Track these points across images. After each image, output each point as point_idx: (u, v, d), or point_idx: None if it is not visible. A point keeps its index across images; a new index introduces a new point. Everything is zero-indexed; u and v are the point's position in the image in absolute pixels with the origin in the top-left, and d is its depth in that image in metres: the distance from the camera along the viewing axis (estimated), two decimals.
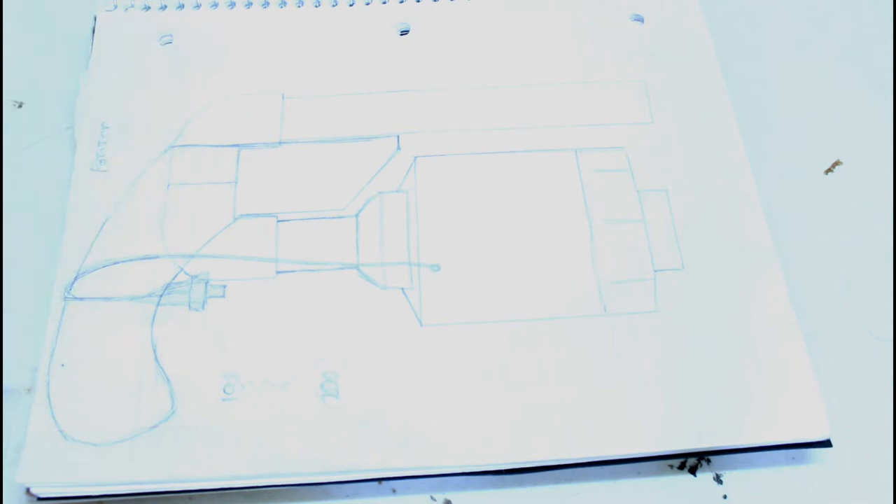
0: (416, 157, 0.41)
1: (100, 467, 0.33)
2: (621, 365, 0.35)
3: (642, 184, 0.40)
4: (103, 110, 0.42)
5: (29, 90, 0.44)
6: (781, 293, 0.37)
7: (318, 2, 0.46)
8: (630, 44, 0.45)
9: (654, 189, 0.40)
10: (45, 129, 0.43)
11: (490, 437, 0.34)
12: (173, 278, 0.37)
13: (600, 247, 0.38)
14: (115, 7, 0.45)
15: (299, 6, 0.46)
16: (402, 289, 0.37)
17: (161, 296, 0.36)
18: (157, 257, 0.37)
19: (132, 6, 0.45)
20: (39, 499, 0.33)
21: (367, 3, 0.46)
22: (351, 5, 0.46)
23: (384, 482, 0.34)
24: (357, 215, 0.39)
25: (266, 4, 0.46)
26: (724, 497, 0.34)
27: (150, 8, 0.45)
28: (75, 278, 0.37)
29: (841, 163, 0.43)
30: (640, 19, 0.46)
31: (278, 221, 0.39)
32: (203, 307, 0.36)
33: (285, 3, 0.46)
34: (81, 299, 0.36)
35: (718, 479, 0.35)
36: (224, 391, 0.34)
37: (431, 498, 0.34)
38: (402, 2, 0.46)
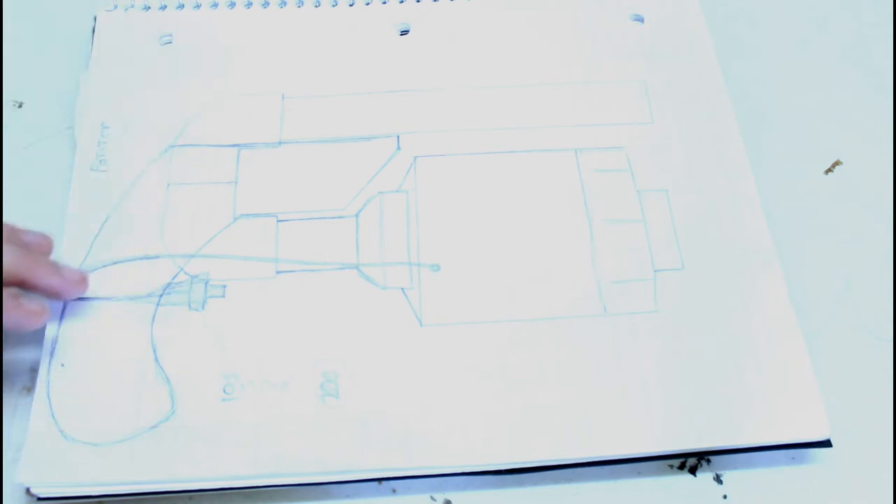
0: (416, 157, 0.41)
1: (100, 467, 0.33)
2: (621, 365, 0.35)
3: (642, 184, 0.40)
4: (103, 110, 0.42)
5: (29, 90, 0.44)
6: (781, 293, 0.37)
7: (318, 2, 0.46)
8: (630, 44, 0.45)
9: (654, 189, 0.40)
10: (45, 129, 0.43)
11: (490, 437, 0.34)
12: (173, 278, 0.37)
13: (600, 247, 0.38)
14: (115, 7, 0.45)
15: (299, 6, 0.46)
16: (402, 289, 0.37)
17: (161, 296, 0.36)
18: (158, 257, 0.37)
19: (132, 6, 0.45)
20: (39, 499, 0.33)
21: (367, 3, 0.46)
22: (351, 5, 0.46)
23: (384, 482, 0.34)
24: (357, 215, 0.39)
25: (266, 4, 0.46)
26: (724, 497, 0.34)
27: (150, 8, 0.45)
28: None
29: (841, 163, 0.43)
30: (640, 19, 0.46)
31: (278, 221, 0.39)
32: (203, 307, 0.36)
33: (285, 3, 0.46)
34: (82, 299, 0.36)
35: (718, 479, 0.35)
36: (224, 391, 0.34)
37: (431, 498, 0.34)
38: (402, 2, 0.46)
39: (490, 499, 0.34)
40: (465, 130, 0.42)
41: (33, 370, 0.36)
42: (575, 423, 0.34)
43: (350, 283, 0.37)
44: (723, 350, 0.36)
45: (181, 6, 0.45)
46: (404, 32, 0.45)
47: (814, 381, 0.35)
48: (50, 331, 0.35)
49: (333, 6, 0.46)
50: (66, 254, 0.37)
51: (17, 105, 0.44)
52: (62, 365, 0.35)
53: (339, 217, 0.39)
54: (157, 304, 0.36)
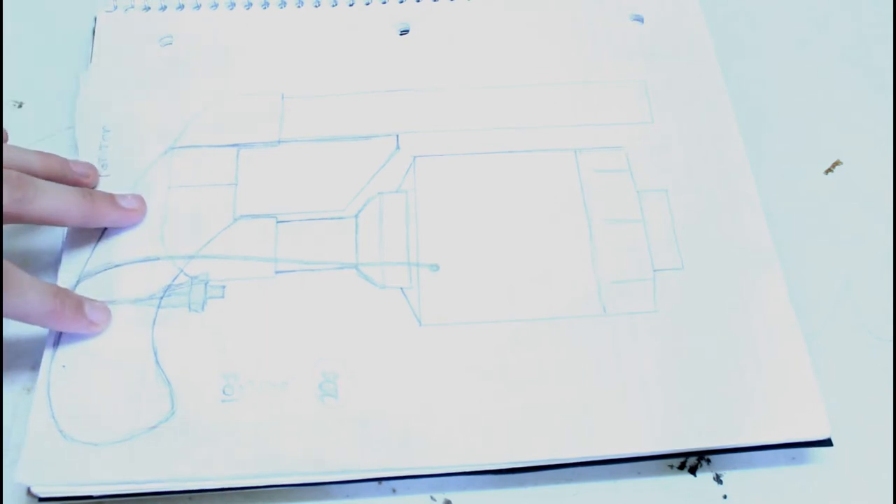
0: (415, 157, 0.41)
1: (100, 467, 0.33)
2: (621, 365, 0.35)
3: (642, 184, 0.40)
4: (104, 112, 0.42)
5: (29, 90, 0.44)
6: (781, 293, 0.37)
7: (318, 2, 0.46)
8: (630, 44, 0.45)
9: (653, 189, 0.40)
10: (45, 130, 0.43)
11: (490, 437, 0.34)
12: (173, 280, 0.37)
13: (600, 247, 0.38)
14: (116, 8, 0.45)
15: (299, 6, 0.46)
16: (402, 289, 0.37)
17: (161, 298, 0.36)
18: (158, 259, 0.37)
19: (132, 7, 0.45)
20: (40, 499, 0.33)
21: (367, 3, 0.46)
22: (351, 5, 0.46)
23: (384, 482, 0.34)
24: (356, 215, 0.39)
25: (266, 5, 0.46)
26: (724, 497, 0.34)
27: (150, 8, 0.45)
28: (78, 282, 0.37)
29: (841, 163, 0.43)
30: (640, 19, 0.46)
31: (278, 222, 0.39)
32: (203, 308, 0.36)
33: (285, 4, 0.46)
34: None
35: (718, 479, 0.35)
36: (224, 392, 0.34)
37: (431, 498, 0.34)
38: (401, 2, 0.46)
39: (490, 499, 0.34)
40: (464, 130, 0.42)
41: (33, 370, 0.36)
42: (575, 422, 0.34)
43: (349, 283, 0.37)
44: (723, 350, 0.36)
45: (181, 7, 0.46)
46: (404, 32, 0.45)
47: (814, 381, 0.35)
48: (51, 333, 0.35)
49: (333, 6, 0.46)
50: (68, 257, 0.37)
51: (17, 105, 0.44)
52: (63, 366, 0.35)
53: (339, 217, 0.39)
54: (158, 307, 0.36)
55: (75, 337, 0.35)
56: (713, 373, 0.35)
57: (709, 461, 0.35)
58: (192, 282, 0.37)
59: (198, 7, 0.46)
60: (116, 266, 0.37)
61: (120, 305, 0.36)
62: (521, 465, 0.34)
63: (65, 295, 0.35)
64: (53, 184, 0.36)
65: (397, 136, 0.41)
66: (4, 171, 0.33)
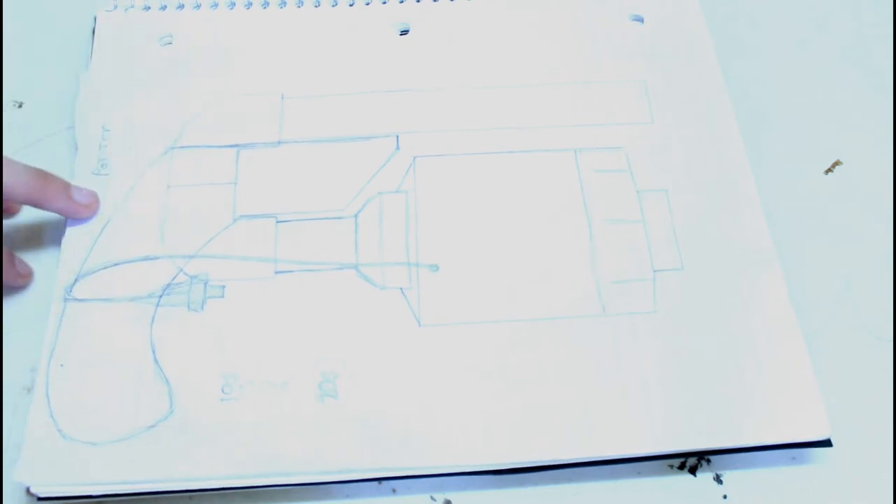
0: (415, 158, 0.41)
1: (99, 467, 0.33)
2: (621, 365, 0.35)
3: (642, 184, 0.40)
4: (103, 111, 0.42)
5: (29, 90, 0.44)
6: (781, 293, 0.37)
7: (318, 2, 0.46)
8: (630, 44, 0.45)
9: (653, 189, 0.40)
10: (45, 130, 0.43)
11: (490, 437, 0.34)
12: (173, 279, 0.37)
13: (600, 247, 0.38)
14: (115, 7, 0.45)
15: (299, 6, 0.46)
16: (401, 289, 0.37)
17: (160, 297, 0.36)
18: (157, 258, 0.37)
19: (132, 6, 0.45)
20: (39, 498, 0.33)
21: (367, 3, 0.46)
22: (351, 5, 0.46)
23: (384, 482, 0.34)
24: (356, 216, 0.39)
25: (266, 5, 0.46)
26: (725, 497, 0.34)
27: (150, 8, 0.45)
28: (75, 280, 0.37)
29: (841, 163, 0.43)
30: (640, 19, 0.46)
31: (277, 222, 0.39)
32: (202, 308, 0.36)
33: (285, 4, 0.46)
34: (81, 301, 0.36)
35: (718, 479, 0.35)
36: (223, 391, 0.34)
37: (431, 498, 0.34)
38: (401, 2, 0.46)
39: (490, 499, 0.34)
40: (464, 130, 0.42)
41: (33, 370, 0.36)
42: (575, 423, 0.34)
43: (349, 284, 0.37)
44: (722, 350, 0.36)
45: (181, 6, 0.46)
46: (404, 32, 0.45)
47: (814, 381, 0.35)
48: (49, 331, 0.36)
49: (333, 6, 0.46)
50: (67, 256, 0.37)
51: (17, 105, 0.44)
52: (61, 365, 0.35)
53: (339, 217, 0.39)
54: (157, 305, 0.36)
55: (73, 335, 0.35)
56: (713, 373, 0.35)
57: (709, 461, 0.35)
58: (191, 281, 0.37)
59: (198, 7, 0.46)
60: (115, 264, 0.37)
61: (118, 303, 0.36)
62: (521, 466, 0.33)
63: (49, 175, 0.36)
64: (7, 157, 0.36)
65: (397, 136, 0.41)
66: None
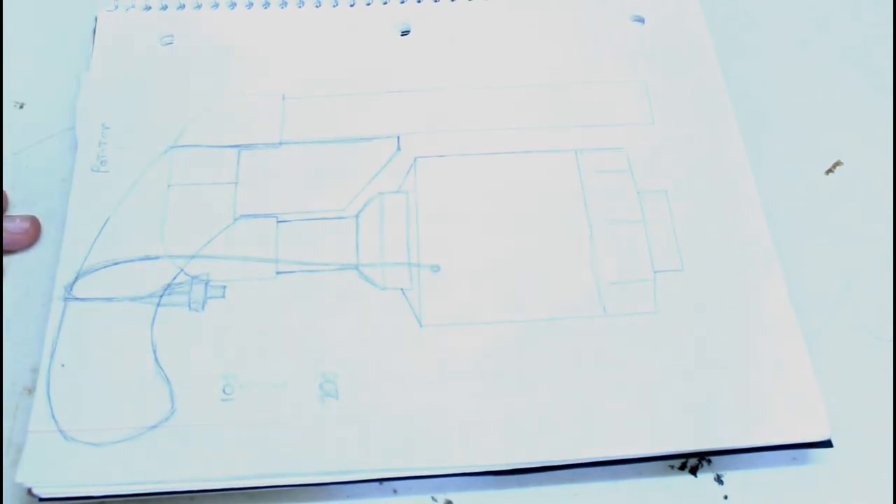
0: (416, 158, 0.41)
1: (100, 467, 0.33)
2: (621, 366, 0.35)
3: (642, 184, 0.40)
4: (104, 111, 0.42)
5: (29, 91, 0.44)
6: (781, 294, 0.37)
7: (319, 2, 0.46)
8: (630, 44, 0.45)
9: (654, 190, 0.40)
10: (45, 130, 0.43)
11: (491, 438, 0.34)
12: (173, 279, 0.37)
13: (600, 247, 0.38)
14: (116, 7, 0.45)
15: (300, 6, 0.46)
16: (402, 289, 0.37)
17: (161, 296, 0.36)
18: (158, 258, 0.37)
19: (133, 6, 0.45)
20: (41, 499, 0.33)
21: (368, 4, 0.46)
22: (352, 5, 0.46)
23: (385, 483, 0.34)
24: (357, 216, 0.39)
25: (267, 5, 0.46)
26: (725, 497, 0.34)
27: (150, 8, 0.45)
28: (76, 279, 0.37)
29: (841, 163, 0.43)
30: (640, 20, 0.46)
31: (278, 222, 0.39)
32: (203, 308, 0.36)
33: (286, 4, 0.46)
34: (82, 300, 0.36)
35: (719, 480, 0.35)
36: (224, 391, 0.34)
37: (433, 498, 0.34)
38: (402, 2, 0.46)
39: (491, 499, 0.34)
40: (465, 131, 0.42)
41: (34, 370, 0.36)
42: (575, 423, 0.34)
43: (350, 284, 0.37)
44: (723, 351, 0.36)
45: (182, 6, 0.46)
46: (405, 33, 0.45)
47: (814, 382, 0.35)
48: (50, 331, 0.35)
49: (334, 6, 0.46)
50: (67, 254, 0.37)
51: (18, 106, 0.44)
52: (62, 365, 0.35)
53: (339, 217, 0.39)
54: (157, 305, 0.36)
55: (74, 335, 0.35)
56: (713, 374, 0.35)
57: (709, 461, 0.35)
58: (192, 281, 0.37)
59: (198, 7, 0.46)
60: (115, 264, 0.37)
61: (119, 303, 0.36)
62: (521, 466, 0.33)
63: None
64: None
65: (398, 136, 0.41)
66: None
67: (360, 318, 0.36)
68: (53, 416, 0.34)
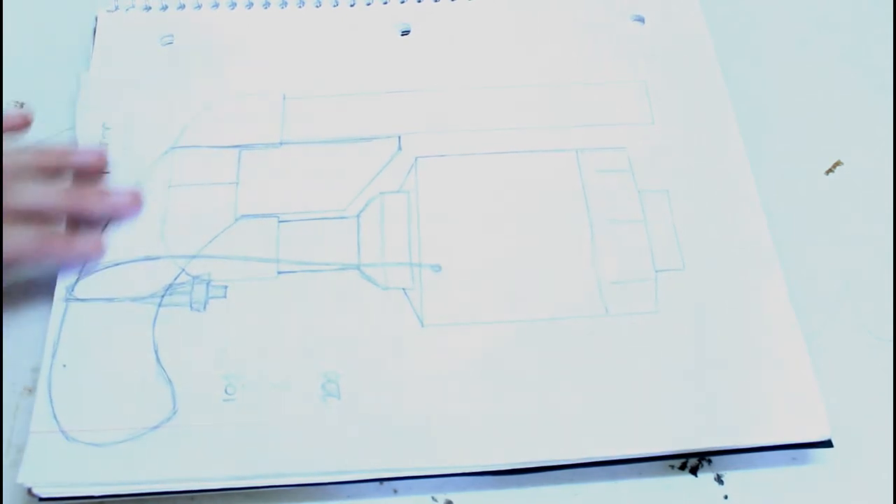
0: (417, 158, 0.41)
1: (101, 468, 0.33)
2: (622, 365, 0.35)
3: (643, 184, 0.40)
4: (104, 111, 0.42)
5: (30, 90, 0.44)
6: (781, 294, 0.37)
7: (319, 2, 0.46)
8: (631, 44, 0.45)
9: (654, 189, 0.40)
10: (46, 130, 0.43)
11: (492, 438, 0.34)
12: (175, 279, 0.37)
13: (601, 247, 0.38)
14: (116, 7, 0.45)
15: (300, 6, 0.46)
16: (404, 289, 0.37)
17: (163, 297, 0.36)
18: (159, 258, 0.37)
19: (133, 6, 0.45)
20: (41, 499, 0.33)
21: (368, 4, 0.46)
22: (352, 6, 0.46)
23: (385, 482, 0.34)
24: (358, 216, 0.39)
25: (267, 5, 0.46)
26: (725, 497, 0.34)
27: (150, 8, 0.45)
28: (77, 280, 0.37)
29: (841, 163, 0.43)
30: (640, 20, 0.46)
31: (279, 222, 0.39)
32: (204, 308, 0.36)
33: (286, 4, 0.46)
34: (83, 301, 0.36)
35: (719, 480, 0.35)
36: (225, 391, 0.34)
37: (433, 498, 0.34)
38: (403, 2, 0.46)
39: (491, 499, 0.34)
40: (466, 131, 0.42)
41: (35, 370, 0.36)
42: (575, 423, 0.34)
43: (351, 284, 0.37)
44: (723, 351, 0.36)
45: (182, 6, 0.46)
46: (405, 33, 0.45)
47: (814, 382, 0.35)
48: (51, 331, 0.36)
49: (334, 6, 0.46)
50: None
51: (18, 105, 0.44)
52: (64, 366, 0.35)
53: (341, 217, 0.39)
54: (159, 305, 0.36)
55: (76, 336, 0.35)
56: (713, 374, 0.35)
57: (710, 461, 0.35)
58: (193, 281, 0.37)
59: (199, 7, 0.45)
60: (117, 264, 0.37)
61: (120, 303, 0.36)
62: (522, 466, 0.33)
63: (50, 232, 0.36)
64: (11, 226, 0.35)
65: (399, 136, 0.41)
66: None
67: (361, 318, 0.36)
68: (55, 417, 0.34)
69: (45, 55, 0.45)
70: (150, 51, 0.44)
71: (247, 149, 0.41)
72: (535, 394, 0.35)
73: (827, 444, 0.34)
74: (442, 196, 0.40)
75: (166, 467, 0.33)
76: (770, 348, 0.36)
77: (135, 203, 0.38)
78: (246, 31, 0.45)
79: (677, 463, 0.35)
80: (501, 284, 0.37)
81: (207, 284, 0.37)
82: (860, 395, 0.37)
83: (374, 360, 0.35)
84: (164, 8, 0.45)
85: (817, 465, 0.35)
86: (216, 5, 0.46)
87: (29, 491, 0.33)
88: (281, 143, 0.41)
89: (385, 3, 0.46)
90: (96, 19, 0.45)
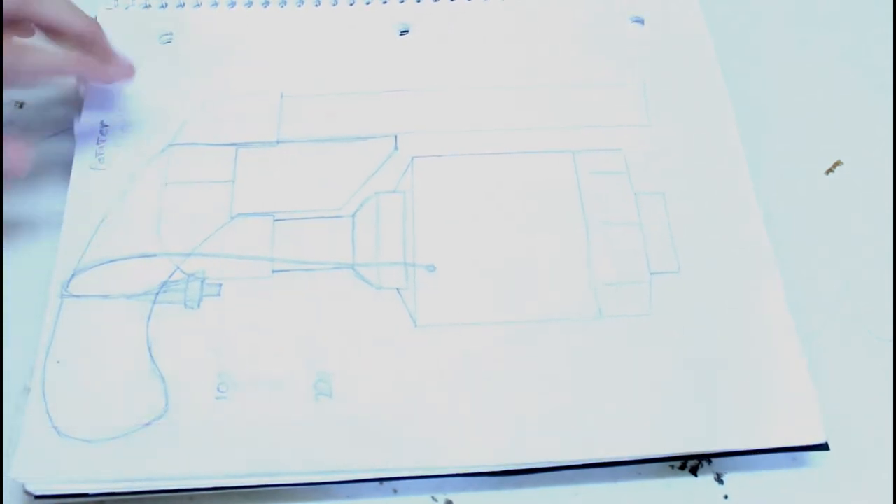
0: (413, 158, 0.41)
1: (94, 465, 0.33)
2: (616, 368, 0.35)
3: (639, 186, 0.40)
4: (103, 108, 0.42)
5: (29, 90, 0.44)
6: (778, 297, 0.37)
7: (318, 1, 0.46)
8: (629, 46, 0.45)
9: (650, 192, 0.40)
10: (45, 130, 0.43)
11: (488, 438, 0.34)
12: (170, 276, 0.37)
13: (596, 249, 0.38)
14: (116, 5, 0.45)
15: (299, 5, 0.46)
16: (398, 289, 0.37)
17: (157, 294, 0.36)
18: (154, 256, 0.37)
19: (132, 4, 0.45)
20: (36, 496, 0.33)
21: (367, 3, 0.46)
22: (351, 5, 0.46)
23: (385, 482, 0.34)
24: (353, 215, 0.39)
25: (266, 4, 0.46)
26: (725, 497, 0.34)
27: (150, 6, 0.45)
28: (72, 276, 0.37)
29: (841, 163, 0.43)
30: (640, 21, 0.46)
31: (275, 220, 0.39)
32: (199, 306, 0.36)
33: (285, 3, 0.46)
34: (78, 297, 0.36)
35: (719, 480, 0.35)
36: (218, 389, 0.34)
37: (433, 498, 0.34)
38: (402, 2, 0.46)
39: (491, 499, 0.34)
40: (462, 131, 0.42)
41: (29, 368, 0.35)
42: (572, 424, 0.34)
43: (346, 283, 0.37)
44: (718, 354, 0.36)
45: (181, 5, 0.46)
46: (404, 32, 0.45)
47: (810, 386, 0.35)
48: (46, 328, 0.36)
49: (333, 6, 0.46)
50: (64, 252, 0.37)
51: (18, 105, 0.44)
52: (58, 362, 0.35)
53: (336, 217, 0.39)
54: (154, 303, 0.36)
55: (70, 332, 0.35)
56: (708, 377, 0.35)
57: (710, 462, 0.35)
58: (188, 279, 0.37)
59: (198, 5, 0.46)
60: (111, 261, 0.37)
61: (115, 300, 0.36)
62: (519, 467, 0.33)
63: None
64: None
65: (395, 136, 0.41)
66: None
67: (355, 317, 0.36)
68: (48, 413, 0.34)
69: None
70: (149, 48, 0.44)
71: (243, 147, 0.41)
72: (530, 395, 0.35)
73: (823, 447, 0.34)
74: (438, 196, 0.39)
75: (159, 465, 0.33)
76: (766, 352, 0.36)
77: (129, 72, 0.41)
78: (245, 30, 0.45)
79: (677, 463, 0.35)
80: (496, 285, 0.37)
81: (202, 282, 0.37)
82: (860, 395, 0.36)
83: (368, 360, 0.35)
84: (164, 6, 0.45)
85: (818, 466, 0.35)
86: (216, 4, 0.46)
87: (24, 488, 0.33)
88: (278, 142, 0.41)
89: (384, 2, 0.46)
90: (96, 17, 0.45)
